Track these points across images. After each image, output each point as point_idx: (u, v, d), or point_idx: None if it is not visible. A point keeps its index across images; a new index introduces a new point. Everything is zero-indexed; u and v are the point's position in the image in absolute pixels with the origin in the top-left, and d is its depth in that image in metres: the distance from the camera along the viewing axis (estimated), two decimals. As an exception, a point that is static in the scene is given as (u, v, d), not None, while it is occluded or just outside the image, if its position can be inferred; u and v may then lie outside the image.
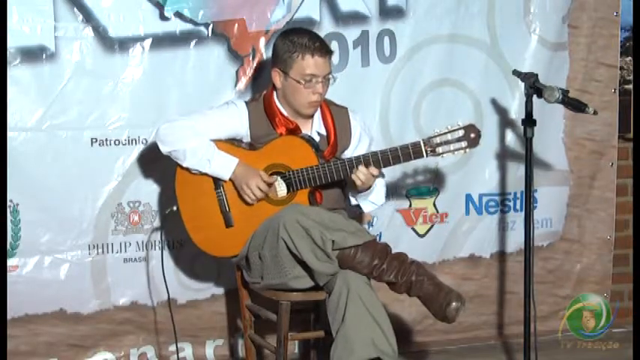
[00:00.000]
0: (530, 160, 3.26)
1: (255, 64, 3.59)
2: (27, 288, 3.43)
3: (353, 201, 3.24)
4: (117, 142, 3.48)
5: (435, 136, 3.01)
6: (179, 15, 3.49)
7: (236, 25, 3.56)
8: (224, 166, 3.08)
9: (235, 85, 3.59)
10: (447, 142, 3.01)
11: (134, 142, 3.50)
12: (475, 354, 3.91)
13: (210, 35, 3.53)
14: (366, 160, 3.03)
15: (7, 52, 3.29)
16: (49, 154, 3.42)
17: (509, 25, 3.89)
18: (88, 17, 3.40)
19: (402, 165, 3.22)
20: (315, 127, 3.20)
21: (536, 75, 3.27)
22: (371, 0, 3.70)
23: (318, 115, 3.20)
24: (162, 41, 3.48)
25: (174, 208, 3.16)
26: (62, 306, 3.51)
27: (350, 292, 2.86)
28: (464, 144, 3.01)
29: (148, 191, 3.55)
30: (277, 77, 3.11)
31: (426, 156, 3.03)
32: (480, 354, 3.92)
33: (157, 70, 3.49)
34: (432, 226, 3.95)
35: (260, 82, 3.59)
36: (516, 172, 3.95)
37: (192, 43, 3.52)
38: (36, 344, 3.49)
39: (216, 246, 3.15)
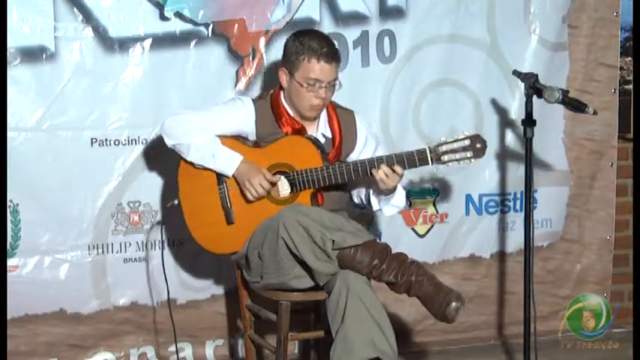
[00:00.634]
0: (530, 161, 3.26)
1: (255, 65, 3.59)
2: (27, 288, 3.43)
3: (375, 206, 3.20)
4: (117, 142, 3.48)
5: (441, 145, 3.00)
6: (179, 15, 3.49)
7: (236, 25, 3.56)
8: (228, 162, 3.07)
9: (235, 86, 3.59)
10: (453, 151, 3.00)
11: (134, 142, 3.50)
12: (475, 354, 3.92)
13: (210, 35, 3.53)
14: (371, 164, 3.02)
15: (7, 52, 3.29)
16: (49, 154, 3.42)
17: (509, 25, 3.89)
18: (88, 17, 3.40)
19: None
20: (320, 129, 3.20)
21: (536, 75, 3.27)
22: (371, 0, 3.70)
23: (324, 117, 3.20)
24: (162, 41, 3.48)
25: (176, 201, 3.16)
26: (62, 306, 3.52)
27: (350, 292, 2.85)
28: (469, 154, 3.01)
29: (148, 191, 3.55)
30: (284, 77, 3.11)
31: (431, 164, 3.02)
32: (480, 354, 3.92)
33: (157, 70, 3.49)
34: (432, 226, 3.95)
35: (260, 83, 3.59)
36: (516, 172, 3.95)
37: (192, 43, 3.52)
38: (36, 344, 3.49)
39: (215, 243, 3.15)
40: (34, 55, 3.36)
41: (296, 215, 2.88)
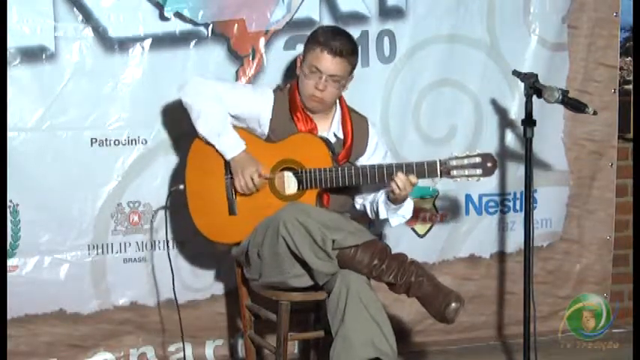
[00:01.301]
0: (529, 161, 3.26)
1: (255, 65, 3.59)
2: (27, 288, 3.43)
3: (383, 214, 3.20)
4: (117, 142, 3.48)
5: (452, 159, 3.02)
6: (179, 15, 3.49)
7: (236, 25, 3.56)
8: (231, 146, 3.09)
9: (235, 86, 3.59)
10: (462, 167, 3.01)
11: (134, 142, 3.50)
12: (475, 354, 3.92)
13: (210, 35, 3.53)
14: (380, 171, 3.03)
15: (7, 52, 3.29)
16: (49, 154, 3.41)
17: (509, 26, 3.89)
18: (88, 17, 3.40)
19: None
20: (333, 129, 3.21)
21: (536, 75, 3.28)
22: (371, 0, 3.70)
23: (338, 117, 3.22)
24: (162, 41, 3.48)
25: (181, 186, 3.16)
26: (62, 306, 3.51)
27: (350, 292, 2.86)
28: (479, 171, 3.02)
29: (148, 191, 3.55)
30: (298, 63, 3.16)
31: (440, 177, 3.04)
32: (479, 354, 3.92)
33: (156, 70, 3.48)
34: (431, 226, 3.95)
35: (259, 83, 3.59)
36: (516, 172, 3.95)
37: (192, 43, 3.52)
38: (36, 344, 3.49)
39: (215, 231, 3.15)
40: (34, 55, 3.35)
41: (296, 214, 2.88)
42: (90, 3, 3.39)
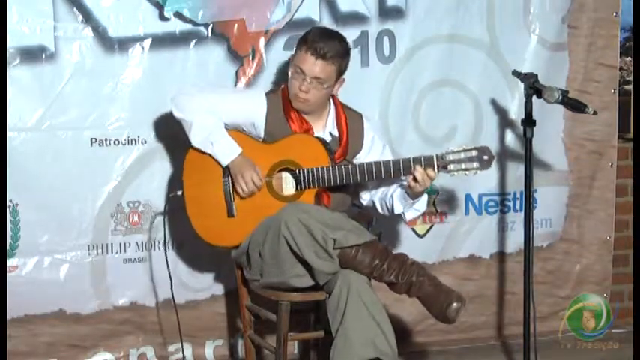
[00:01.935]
0: (529, 161, 3.26)
1: (254, 65, 3.59)
2: (27, 288, 3.43)
3: (398, 209, 3.19)
4: (117, 142, 3.48)
5: (449, 154, 3.02)
6: (179, 15, 3.49)
7: (236, 25, 3.56)
8: (225, 152, 3.09)
9: (235, 86, 3.58)
10: (459, 161, 3.02)
11: (134, 142, 3.50)
12: (475, 354, 3.92)
13: (209, 35, 3.53)
14: (378, 168, 3.03)
15: (7, 52, 3.29)
16: (48, 154, 3.41)
17: (509, 26, 3.89)
18: (88, 17, 3.40)
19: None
20: (328, 128, 3.21)
21: (536, 75, 3.28)
22: (370, 0, 3.70)
23: (332, 116, 3.22)
24: (161, 41, 3.48)
25: (179, 192, 3.17)
26: (62, 306, 3.51)
27: (350, 292, 2.86)
28: (476, 165, 3.02)
29: (148, 191, 3.55)
30: (289, 64, 3.16)
31: (437, 171, 3.04)
32: (479, 354, 3.92)
33: (156, 70, 3.48)
34: (431, 226, 3.95)
35: (259, 83, 3.59)
36: (516, 172, 3.95)
37: (192, 43, 3.52)
38: (36, 344, 3.49)
39: (214, 234, 3.15)
40: (33, 55, 3.35)
41: (298, 214, 2.88)
42: (90, 3, 3.39)
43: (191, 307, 3.65)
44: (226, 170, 3.11)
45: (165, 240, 3.30)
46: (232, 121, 3.15)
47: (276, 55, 3.59)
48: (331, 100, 3.23)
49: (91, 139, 3.45)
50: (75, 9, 3.38)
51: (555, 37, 3.98)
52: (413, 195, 3.11)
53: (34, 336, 3.48)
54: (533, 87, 3.24)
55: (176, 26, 3.49)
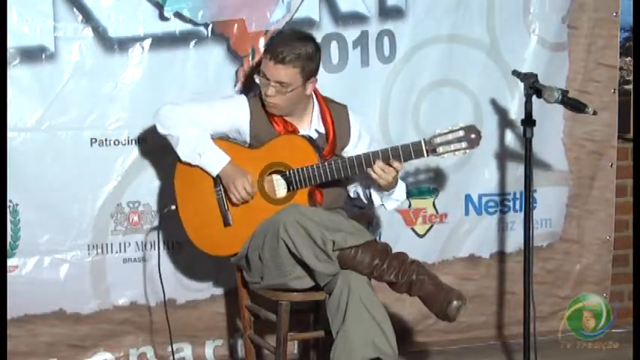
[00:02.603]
0: (529, 161, 3.26)
1: (254, 65, 3.59)
2: (26, 288, 3.43)
3: (377, 201, 3.22)
4: (117, 142, 3.48)
5: (436, 136, 3.03)
6: (179, 15, 3.49)
7: (236, 25, 3.56)
8: (214, 162, 3.09)
9: (235, 86, 3.58)
10: (448, 143, 3.02)
11: (134, 142, 3.50)
12: (475, 354, 3.92)
13: (209, 35, 3.53)
14: (367, 158, 3.03)
15: (7, 52, 3.29)
16: (48, 154, 3.41)
17: (509, 25, 3.89)
18: (88, 17, 3.40)
19: (402, 165, 3.22)
20: (314, 125, 3.21)
21: (536, 75, 3.28)
22: (370, 0, 3.70)
23: (317, 113, 3.21)
24: (161, 41, 3.48)
25: (173, 207, 3.17)
26: (62, 306, 3.51)
27: (350, 293, 2.86)
28: (464, 144, 3.02)
29: (148, 191, 3.55)
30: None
31: (427, 155, 3.04)
32: (479, 354, 3.92)
33: (156, 70, 3.48)
34: (431, 226, 3.95)
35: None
36: (516, 172, 3.95)
37: (192, 43, 3.51)
38: (35, 344, 3.49)
39: (213, 245, 3.15)
40: (33, 55, 3.35)
41: (296, 216, 2.88)
42: (90, 3, 3.39)
43: (191, 307, 3.65)
44: (217, 180, 3.11)
45: (159, 254, 3.29)
46: (217, 129, 3.15)
47: (276, 55, 3.59)
48: (314, 96, 3.22)
49: (91, 139, 3.45)
50: (75, 9, 3.38)
51: (555, 37, 3.98)
52: (383, 187, 3.10)
53: (34, 336, 3.48)
54: (533, 87, 3.24)
55: (176, 26, 3.49)
